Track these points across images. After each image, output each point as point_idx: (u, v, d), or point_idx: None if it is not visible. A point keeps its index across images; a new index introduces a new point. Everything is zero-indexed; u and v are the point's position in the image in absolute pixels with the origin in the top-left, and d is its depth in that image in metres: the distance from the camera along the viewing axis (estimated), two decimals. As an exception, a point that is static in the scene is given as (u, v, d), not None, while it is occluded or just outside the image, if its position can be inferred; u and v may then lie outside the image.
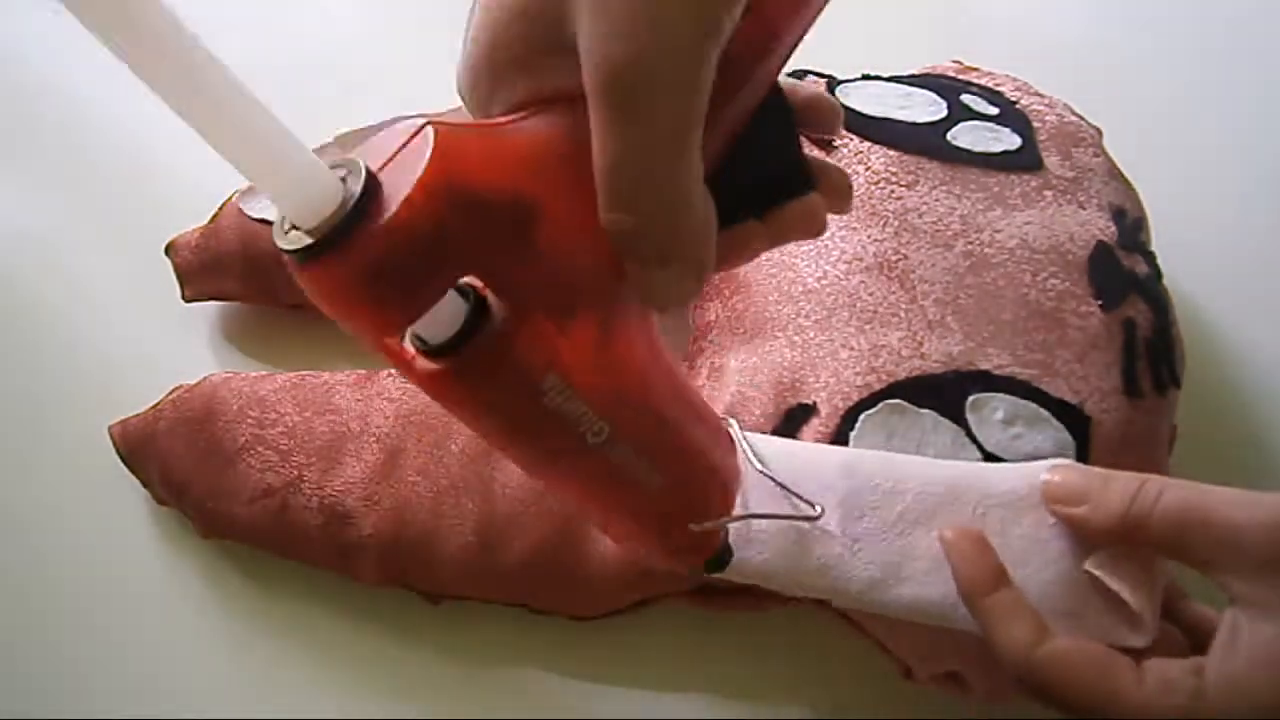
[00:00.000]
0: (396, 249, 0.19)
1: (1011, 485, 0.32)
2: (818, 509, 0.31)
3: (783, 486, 0.32)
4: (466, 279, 0.21)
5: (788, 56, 0.26)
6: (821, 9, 0.25)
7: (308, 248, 0.19)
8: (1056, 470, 0.31)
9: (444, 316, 0.22)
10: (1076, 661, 0.28)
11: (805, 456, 0.33)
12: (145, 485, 0.40)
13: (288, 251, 0.19)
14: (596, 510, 0.28)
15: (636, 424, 0.25)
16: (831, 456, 0.33)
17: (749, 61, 0.24)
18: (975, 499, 0.32)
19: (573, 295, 0.23)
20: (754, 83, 0.25)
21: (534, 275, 0.22)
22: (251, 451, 0.38)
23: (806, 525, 0.32)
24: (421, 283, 0.20)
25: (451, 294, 0.21)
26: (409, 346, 0.22)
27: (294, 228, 0.20)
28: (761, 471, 0.32)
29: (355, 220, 0.19)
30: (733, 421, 0.33)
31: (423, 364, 0.22)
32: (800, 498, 0.31)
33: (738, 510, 0.30)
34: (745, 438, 0.33)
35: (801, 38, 0.26)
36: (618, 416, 0.24)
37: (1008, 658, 0.29)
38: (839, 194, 0.28)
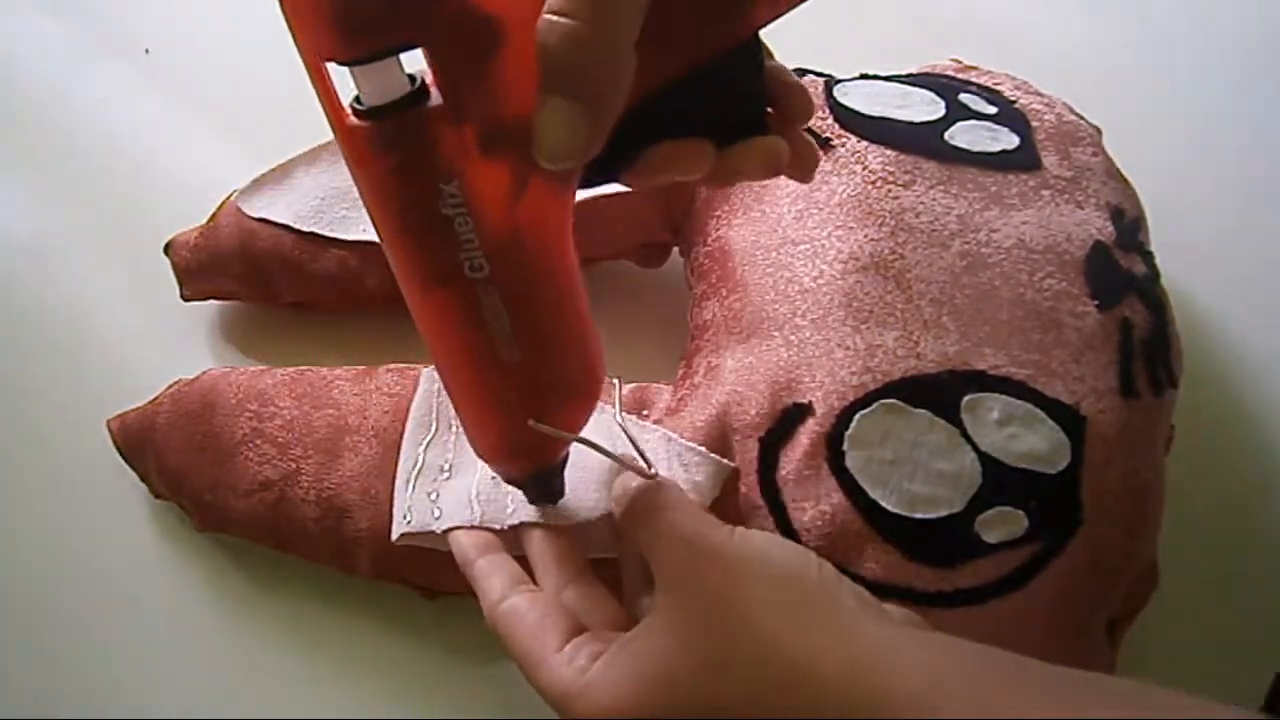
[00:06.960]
0: None
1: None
2: (654, 470, 0.32)
3: (636, 447, 0.33)
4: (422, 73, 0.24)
5: (769, 16, 0.27)
6: None
7: None
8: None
9: (385, 85, 0.24)
10: (514, 622, 0.31)
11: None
12: (143, 478, 0.40)
13: None
14: (453, 366, 0.29)
15: (515, 280, 0.27)
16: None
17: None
18: None
19: (504, 127, 0.25)
20: (728, 20, 0.27)
21: (478, 90, 0.24)
22: (249, 445, 0.38)
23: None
24: (380, 25, 0.23)
25: (398, 71, 0.24)
26: (347, 108, 0.25)
27: None
28: (622, 426, 0.34)
29: None
30: (615, 380, 0.35)
31: (351, 120, 0.25)
32: (644, 458, 0.33)
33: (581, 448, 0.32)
34: (621, 397, 0.36)
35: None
36: (501, 261, 0.26)
37: (484, 611, 0.32)
38: (804, 163, 0.30)
